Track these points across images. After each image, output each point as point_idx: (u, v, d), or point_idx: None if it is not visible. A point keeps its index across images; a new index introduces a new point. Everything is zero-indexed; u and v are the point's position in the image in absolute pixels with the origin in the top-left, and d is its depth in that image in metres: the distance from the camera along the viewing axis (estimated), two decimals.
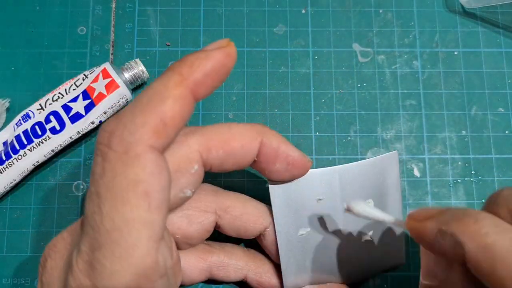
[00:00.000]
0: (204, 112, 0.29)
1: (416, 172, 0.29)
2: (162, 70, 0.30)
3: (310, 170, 0.24)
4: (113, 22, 0.30)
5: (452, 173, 0.29)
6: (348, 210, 0.22)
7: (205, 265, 0.22)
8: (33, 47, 0.30)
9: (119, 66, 0.28)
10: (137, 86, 0.28)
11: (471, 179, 0.29)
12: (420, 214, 0.18)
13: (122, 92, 0.27)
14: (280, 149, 0.21)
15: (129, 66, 0.28)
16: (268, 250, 0.24)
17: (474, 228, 0.16)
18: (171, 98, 0.16)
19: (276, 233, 0.24)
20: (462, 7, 0.31)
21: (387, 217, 0.21)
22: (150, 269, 0.15)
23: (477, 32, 0.31)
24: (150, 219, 0.15)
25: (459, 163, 0.29)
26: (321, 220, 0.24)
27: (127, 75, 0.27)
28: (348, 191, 0.24)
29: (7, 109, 0.28)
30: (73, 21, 0.30)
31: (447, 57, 0.30)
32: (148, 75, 0.28)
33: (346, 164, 0.24)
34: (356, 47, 0.30)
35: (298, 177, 0.23)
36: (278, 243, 0.24)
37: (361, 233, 0.25)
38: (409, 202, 0.28)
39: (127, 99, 0.27)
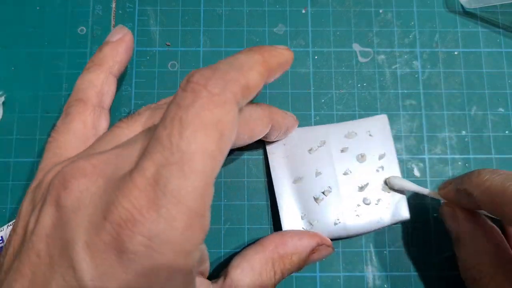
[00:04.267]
0: None
1: (416, 172, 0.29)
2: (162, 70, 0.30)
3: (300, 128, 0.28)
4: (113, 22, 0.30)
5: (452, 173, 0.29)
6: (387, 183, 0.27)
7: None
8: (33, 47, 0.30)
9: None
10: None
11: None
12: (445, 183, 0.25)
13: None
14: (283, 124, 0.25)
15: None
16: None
17: (477, 179, 0.21)
18: (256, 71, 0.18)
19: (274, 184, 0.27)
20: (462, 7, 0.31)
21: (422, 190, 0.26)
22: (208, 193, 0.16)
23: (477, 32, 0.31)
24: (219, 158, 0.16)
25: (459, 163, 0.29)
26: (314, 168, 0.27)
27: None
28: (335, 142, 0.28)
29: (3, 103, 0.28)
30: (73, 21, 0.30)
31: (447, 57, 0.30)
32: None
33: (333, 123, 0.29)
34: (356, 47, 0.30)
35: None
36: (275, 192, 0.27)
37: (357, 184, 0.27)
38: (410, 202, 0.28)
39: None
